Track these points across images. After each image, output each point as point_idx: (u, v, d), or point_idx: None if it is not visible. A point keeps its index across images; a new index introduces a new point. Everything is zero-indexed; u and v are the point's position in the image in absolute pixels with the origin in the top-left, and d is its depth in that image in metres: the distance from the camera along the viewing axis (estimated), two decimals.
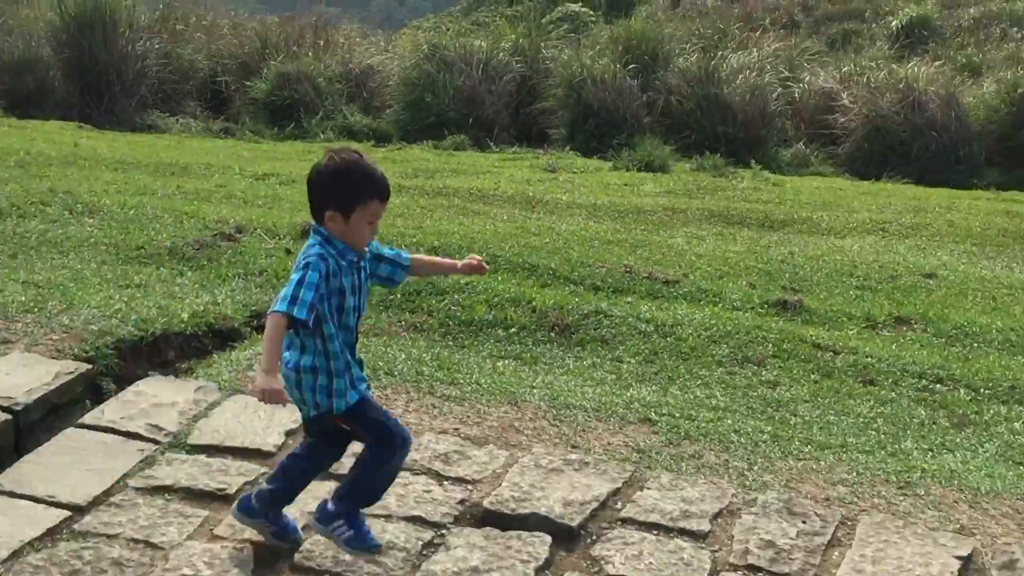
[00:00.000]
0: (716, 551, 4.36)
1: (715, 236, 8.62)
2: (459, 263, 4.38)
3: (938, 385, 5.97)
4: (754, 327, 6.45)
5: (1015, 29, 23.98)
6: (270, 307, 3.94)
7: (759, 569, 4.26)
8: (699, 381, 5.81)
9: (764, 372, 5.97)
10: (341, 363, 4.02)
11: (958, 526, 4.63)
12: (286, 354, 4.02)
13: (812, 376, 5.97)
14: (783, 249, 8.27)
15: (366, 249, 4.13)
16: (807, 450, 5.14)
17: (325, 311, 3.95)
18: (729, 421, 5.35)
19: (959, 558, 4.38)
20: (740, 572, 4.25)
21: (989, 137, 14.79)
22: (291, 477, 4.18)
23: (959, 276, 7.86)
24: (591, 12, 24.47)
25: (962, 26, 24.84)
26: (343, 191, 3.96)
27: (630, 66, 15.87)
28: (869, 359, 6.19)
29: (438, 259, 4.88)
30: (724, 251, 8.08)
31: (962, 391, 5.93)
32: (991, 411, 5.74)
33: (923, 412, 5.68)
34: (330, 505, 4.08)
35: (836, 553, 4.40)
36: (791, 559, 4.33)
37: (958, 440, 5.42)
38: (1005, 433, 5.51)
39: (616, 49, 16.57)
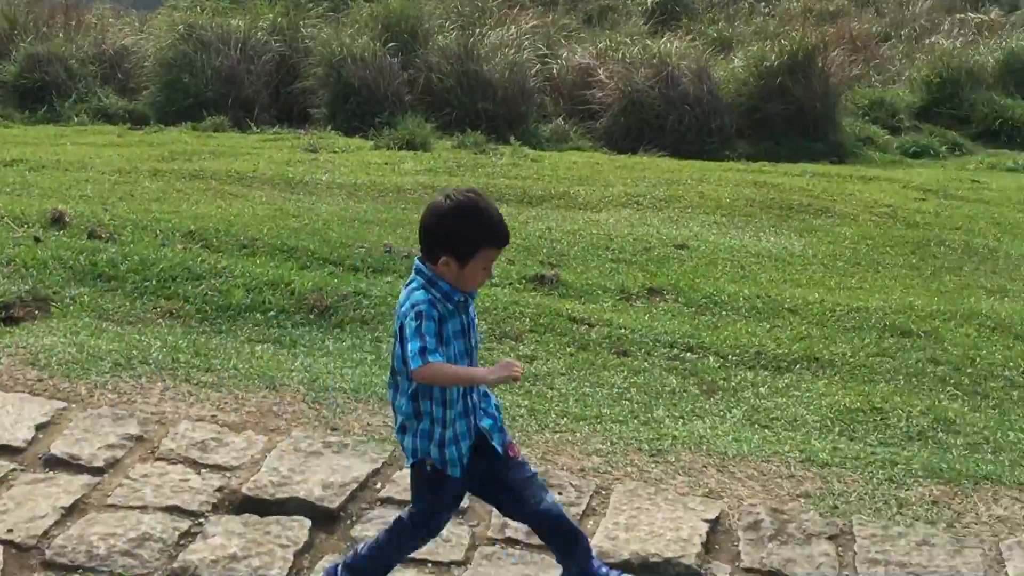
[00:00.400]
0: (475, 526, 4.43)
1: None
2: None
3: (688, 353, 6.15)
4: (512, 302, 6.53)
5: (763, 4, 24.72)
6: (410, 367, 3.64)
7: (516, 542, 4.34)
8: None
9: (522, 347, 6.05)
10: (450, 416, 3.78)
11: (707, 490, 4.79)
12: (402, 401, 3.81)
13: (568, 349, 6.07)
14: (541, 224, 8.39)
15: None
16: (563, 422, 5.25)
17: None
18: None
19: (707, 521, 4.54)
20: (498, 545, 4.33)
21: (739, 110, 15.21)
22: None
23: (709, 246, 8.09)
24: None
25: (713, 2, 25.47)
26: (463, 239, 3.64)
27: (390, 44, 15.79)
28: (623, 330, 6.33)
29: None
30: None
31: (711, 358, 6.11)
32: (738, 377, 5.94)
33: (674, 380, 5.84)
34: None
35: (591, 522, 4.51)
36: None
37: (707, 407, 5.59)
38: (751, 398, 5.71)
39: (376, 27, 16.44)
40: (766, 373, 6.01)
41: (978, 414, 5.78)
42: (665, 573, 4.27)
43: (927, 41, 20.15)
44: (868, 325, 6.72)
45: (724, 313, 6.75)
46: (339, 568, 3.88)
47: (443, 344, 3.65)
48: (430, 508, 3.83)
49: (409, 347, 3.60)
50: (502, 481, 3.85)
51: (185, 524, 4.22)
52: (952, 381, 6.12)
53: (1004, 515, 4.79)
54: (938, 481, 5.01)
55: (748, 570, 4.34)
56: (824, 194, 10.18)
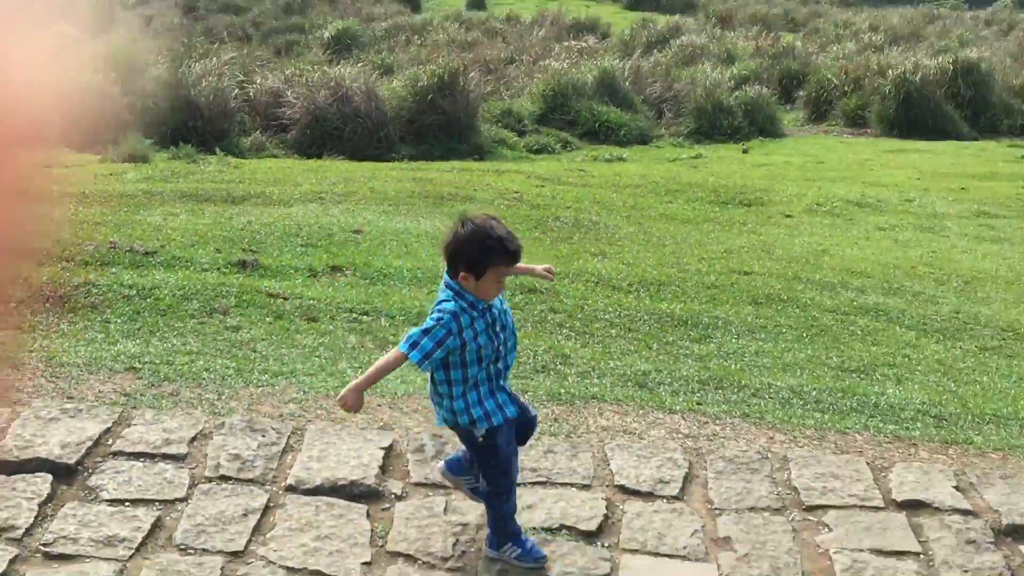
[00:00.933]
0: (193, 468, 4.31)
1: (187, 212, 8.42)
2: (537, 271, 4.15)
3: (365, 316, 6.13)
4: (219, 284, 6.37)
5: (416, 37, 24.92)
6: (402, 337, 3.74)
7: (229, 478, 4.25)
8: (175, 332, 5.69)
9: (228, 320, 5.91)
10: (480, 379, 3.80)
11: (382, 424, 4.79)
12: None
13: (267, 319, 5.97)
14: (243, 219, 8.19)
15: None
16: (265, 378, 5.16)
17: (468, 358, 3.72)
18: (201, 362, 5.28)
19: (383, 448, 4.55)
20: (214, 483, 4.22)
21: (401, 120, 15.23)
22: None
23: (379, 230, 8.07)
24: None
25: (377, 35, 25.50)
26: (476, 258, 3.59)
27: (112, 75, 15.16)
28: (312, 301, 6.26)
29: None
30: (195, 224, 7.91)
31: (383, 320, 6.12)
32: (404, 332, 5.94)
33: (354, 339, 5.81)
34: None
35: (290, 457, 4.46)
36: (254, 466, 4.36)
37: (380, 357, 5.58)
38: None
39: (103, 62, 15.81)
40: None
41: (587, 349, 5.97)
42: (351, 493, 4.26)
43: (542, 63, 20.66)
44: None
45: (392, 283, 6.76)
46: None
47: (472, 341, 3.66)
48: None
49: (414, 329, 3.69)
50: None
51: None
52: (567, 325, 6.30)
53: (607, 425, 4.97)
54: (558, 402, 5.16)
55: (416, 484, 4.38)
56: (468, 185, 10.30)
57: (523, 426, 3.99)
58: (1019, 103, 18.64)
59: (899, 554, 4.14)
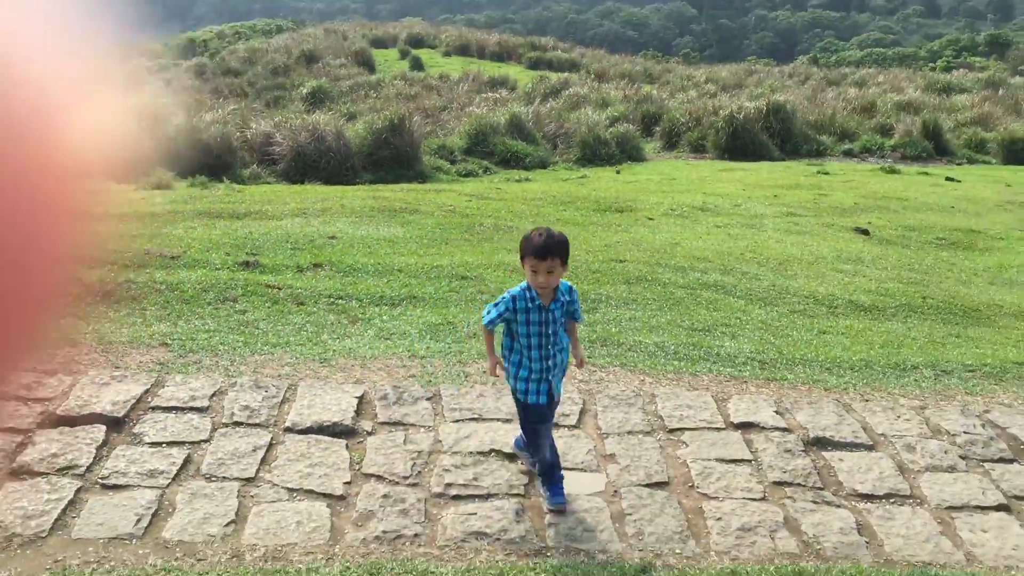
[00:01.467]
0: (214, 417, 4.24)
1: (203, 226, 8.24)
2: (576, 353, 3.92)
3: (340, 300, 6.06)
4: (229, 279, 6.25)
5: (372, 91, 24.63)
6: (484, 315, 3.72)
7: (240, 423, 4.19)
8: (197, 316, 5.57)
9: (237, 305, 5.80)
10: (533, 368, 3.67)
11: (355, 379, 4.75)
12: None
13: (266, 304, 5.87)
14: (245, 230, 8.04)
15: (554, 298, 3.63)
16: (266, 348, 5.08)
17: (518, 330, 3.65)
18: (217, 338, 5.19)
19: (356, 397, 4.51)
20: (229, 427, 4.16)
21: (363, 154, 15.00)
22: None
23: (350, 236, 7.97)
24: None
25: (343, 91, 25.18)
26: (521, 250, 3.61)
27: (143, 123, 14.74)
28: (300, 290, 6.17)
29: (574, 338, 3.95)
30: (209, 235, 7.75)
31: (354, 302, 6.05)
32: (370, 312, 5.90)
33: (332, 317, 5.74)
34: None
35: (287, 406, 4.40)
36: (260, 414, 4.29)
37: (353, 331, 5.54)
38: (379, 323, 5.69)
39: (136, 114, 15.33)
40: (387, 307, 6.00)
41: None
42: (334, 431, 4.22)
43: (467, 109, 20.56)
44: (443, 275, 6.80)
45: (360, 275, 6.68)
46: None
47: (524, 321, 3.61)
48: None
49: (487, 308, 3.71)
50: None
51: (19, 438, 3.85)
52: (492, 302, 6.28)
53: None
54: (486, 360, 5.14)
55: (382, 423, 4.35)
56: (415, 201, 10.20)
57: None
58: (814, 133, 18.96)
59: (737, 461, 4.21)
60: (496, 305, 3.67)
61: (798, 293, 7.15)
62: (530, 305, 3.61)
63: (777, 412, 4.67)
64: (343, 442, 4.14)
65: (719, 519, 3.74)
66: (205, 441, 4.04)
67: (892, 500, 3.99)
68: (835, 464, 4.24)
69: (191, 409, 4.26)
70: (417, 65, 32.59)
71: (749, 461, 4.21)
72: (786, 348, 5.77)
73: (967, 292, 7.56)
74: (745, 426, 4.52)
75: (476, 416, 4.45)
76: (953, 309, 7.03)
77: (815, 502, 3.92)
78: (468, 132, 17.25)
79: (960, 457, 4.36)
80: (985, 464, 4.33)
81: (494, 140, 17.00)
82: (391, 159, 15.03)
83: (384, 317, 5.80)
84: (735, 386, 5.02)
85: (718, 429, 4.49)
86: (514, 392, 3.72)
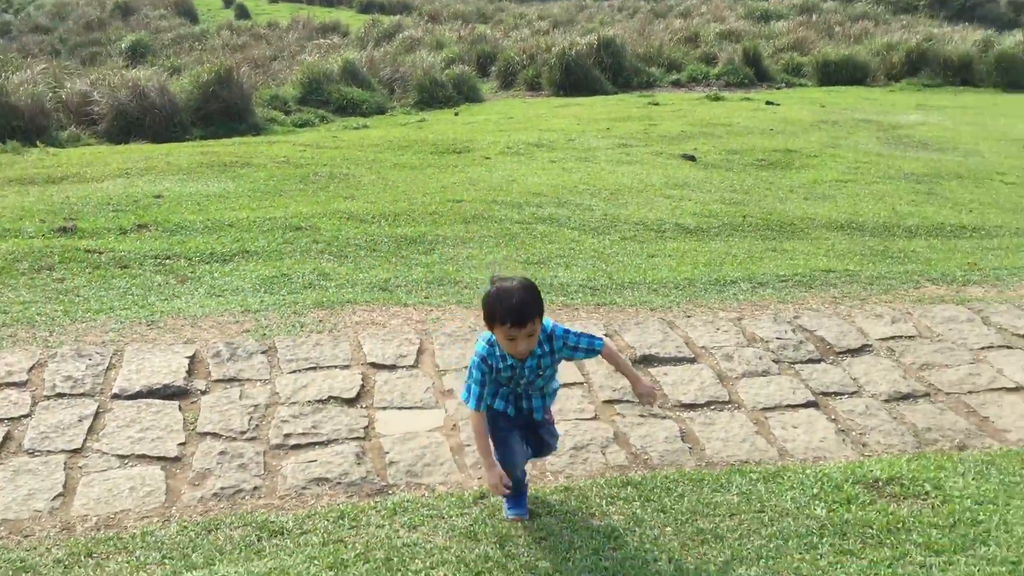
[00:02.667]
0: (34, 391, 4.06)
1: (15, 193, 7.73)
2: (640, 386, 3.30)
3: (168, 260, 5.84)
4: (44, 247, 5.92)
5: (197, 43, 23.54)
6: (463, 395, 3.17)
7: (64, 395, 4.03)
8: (9, 288, 5.26)
9: (54, 273, 5.52)
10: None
11: (186, 339, 4.63)
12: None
13: (87, 271, 5.61)
14: (62, 195, 7.59)
15: (523, 357, 3.06)
16: (88, 316, 4.87)
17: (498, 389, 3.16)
18: (33, 309, 4.93)
19: (187, 357, 4.41)
20: (52, 400, 3.99)
21: (190, 109, 14.38)
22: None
23: (177, 194, 7.66)
24: None
25: (165, 44, 23.96)
26: (486, 315, 3.02)
27: None
28: (123, 252, 5.92)
29: (626, 366, 3.42)
30: (21, 202, 7.29)
31: (182, 261, 5.85)
32: (200, 269, 5.72)
33: (159, 278, 5.55)
34: None
35: (114, 373, 4.26)
36: (84, 383, 4.15)
37: (182, 290, 5.37)
38: (209, 280, 5.52)
39: None
40: (218, 264, 5.84)
41: (343, 267, 5.91)
42: (165, 393, 4.13)
43: (299, 58, 19.95)
44: (277, 227, 6.66)
45: (188, 233, 6.45)
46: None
47: (487, 384, 3.11)
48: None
49: (466, 385, 3.15)
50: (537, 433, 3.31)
51: None
52: (327, 251, 6.20)
53: (360, 320, 4.97)
54: (322, 308, 5.10)
55: (216, 380, 4.27)
56: (247, 154, 9.87)
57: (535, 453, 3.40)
58: (644, 66, 19.39)
59: (570, 384, 4.35)
60: (474, 378, 3.11)
61: (629, 220, 7.38)
62: (501, 364, 3.10)
63: (607, 335, 4.84)
64: (175, 403, 4.05)
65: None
66: (26, 416, 3.87)
67: (712, 407, 4.24)
68: (661, 378, 4.45)
69: (7, 385, 4.06)
70: (243, 13, 31.28)
71: (581, 383, 4.37)
72: (616, 274, 5.96)
73: (783, 208, 7.99)
74: None
75: (313, 365, 4.43)
76: (771, 225, 7.42)
77: (642, 416, 4.11)
78: (301, 81, 16.77)
79: (773, 361, 4.66)
80: (796, 366, 4.64)
81: (329, 88, 16.61)
82: (222, 113, 14.48)
83: (215, 274, 5.64)
84: (567, 313, 5.16)
85: None
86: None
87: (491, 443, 3.18)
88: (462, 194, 8.06)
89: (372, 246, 6.38)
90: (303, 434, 3.88)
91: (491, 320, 3.01)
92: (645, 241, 6.89)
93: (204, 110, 14.43)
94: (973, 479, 3.59)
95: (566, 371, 4.46)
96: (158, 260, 5.84)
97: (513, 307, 2.94)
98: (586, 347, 3.17)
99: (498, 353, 3.09)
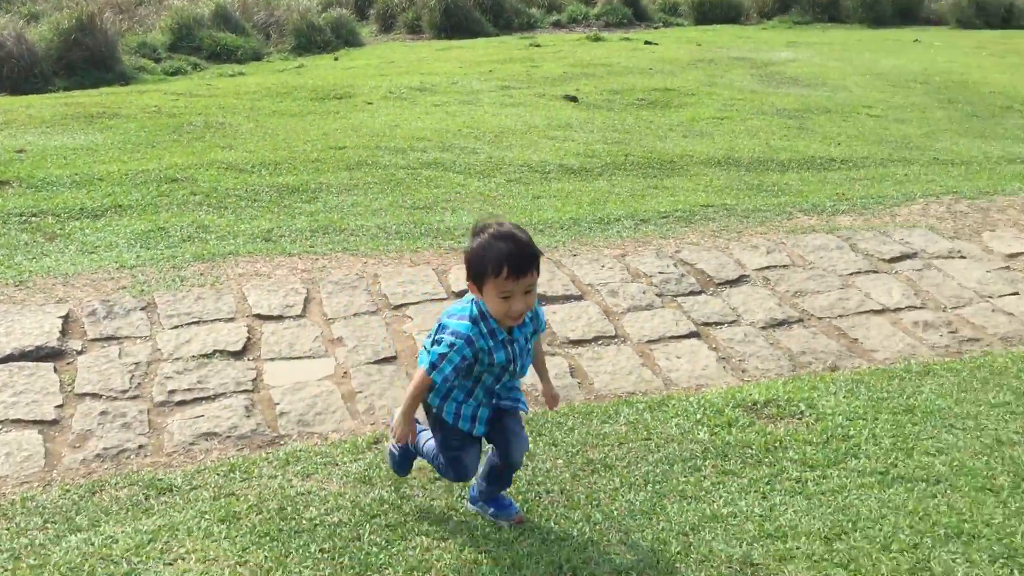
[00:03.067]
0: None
1: None
2: (547, 391, 2.88)
3: (34, 218, 5.56)
4: None
5: None
6: (421, 355, 2.68)
7: None
8: None
9: None
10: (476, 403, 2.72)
11: (58, 299, 4.43)
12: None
13: None
14: None
15: (519, 321, 2.58)
16: None
17: (479, 376, 2.65)
18: None
19: (60, 317, 4.22)
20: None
21: (51, 58, 13.60)
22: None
23: (40, 148, 7.25)
24: None
25: None
26: (474, 269, 2.51)
27: None
28: None
29: (543, 359, 2.96)
30: None
31: (50, 218, 5.58)
32: (70, 226, 5.47)
33: (26, 236, 5.28)
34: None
35: None
36: None
37: (52, 248, 5.12)
38: (81, 237, 5.29)
39: None
40: (88, 220, 5.59)
41: (223, 219, 5.74)
42: (38, 355, 3.95)
43: (167, 2, 19.02)
44: (151, 180, 6.40)
45: (55, 189, 6.14)
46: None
47: (486, 367, 2.61)
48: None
49: (434, 348, 2.61)
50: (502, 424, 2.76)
51: None
52: (205, 203, 6.00)
53: (243, 272, 4.85)
54: (203, 261, 4.96)
55: (93, 340, 4.11)
56: (115, 105, 9.40)
57: (505, 468, 2.86)
58: (524, 6, 19.26)
59: None
60: (449, 360, 2.57)
61: (513, 163, 7.39)
62: (491, 343, 2.58)
63: None
64: (50, 365, 3.88)
65: None
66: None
67: (600, 342, 4.32)
68: (549, 316, 4.50)
69: None
70: None
71: None
72: (502, 216, 5.97)
73: (663, 146, 8.12)
74: (464, 293, 4.67)
75: (196, 319, 4.31)
76: (651, 163, 7.54)
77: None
78: (170, 27, 16.01)
79: (657, 295, 4.77)
80: (678, 299, 4.76)
81: (200, 34, 15.92)
82: (86, 62, 13.72)
83: (86, 231, 5.40)
84: (455, 257, 5.16)
85: (441, 300, 4.62)
86: (443, 416, 2.76)
87: (427, 446, 2.89)
88: (344, 141, 7.90)
89: (253, 196, 6.21)
90: (188, 390, 3.78)
91: (480, 274, 2.49)
92: (530, 183, 6.91)
93: (66, 59, 13.65)
94: (844, 397, 3.78)
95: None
96: (23, 218, 5.55)
97: (510, 252, 2.45)
98: (542, 322, 2.78)
99: (486, 330, 2.56)
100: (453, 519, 2.93)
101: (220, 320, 4.31)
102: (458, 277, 4.84)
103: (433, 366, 2.58)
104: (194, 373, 3.89)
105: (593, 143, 8.17)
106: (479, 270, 2.51)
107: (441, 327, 2.64)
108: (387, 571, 2.68)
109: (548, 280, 4.84)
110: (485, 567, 2.70)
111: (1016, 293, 4.98)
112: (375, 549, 2.78)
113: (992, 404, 3.74)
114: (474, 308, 2.59)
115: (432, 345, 2.65)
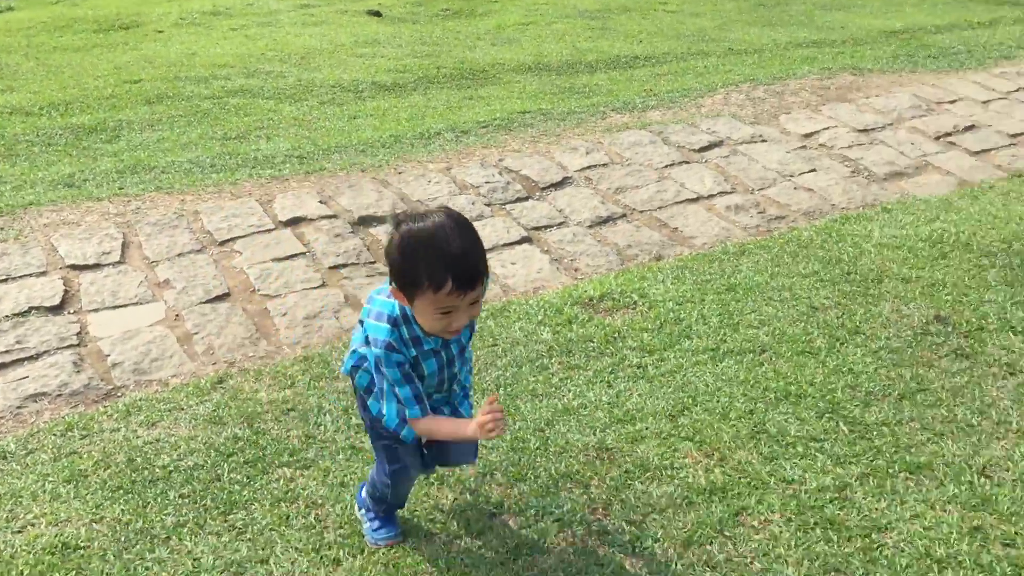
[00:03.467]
0: None
1: None
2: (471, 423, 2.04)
3: None
4: None
5: None
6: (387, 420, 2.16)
7: None
8: None
9: None
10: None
11: None
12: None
13: None
14: None
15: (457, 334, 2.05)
16: None
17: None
18: None
19: None
20: None
21: None
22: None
23: None
24: None
25: None
26: (404, 276, 1.91)
27: None
28: None
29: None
30: None
31: None
32: None
33: None
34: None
35: None
36: None
37: None
38: None
39: None
40: None
41: (15, 168, 5.30)
42: None
43: None
44: None
45: None
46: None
47: (412, 380, 2.08)
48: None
49: (385, 405, 2.14)
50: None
51: None
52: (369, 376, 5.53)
53: (48, 222, 4.53)
54: (0, 215, 4.57)
55: None
56: None
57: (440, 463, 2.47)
58: None
59: (292, 256, 4.26)
60: (388, 382, 2.08)
61: (324, 84, 7.16)
62: (415, 351, 2.07)
63: (322, 202, 4.75)
64: None
65: (285, 315, 3.81)
66: None
67: None
68: (382, 237, 4.45)
69: None
70: None
71: (304, 254, 4.28)
72: (321, 139, 5.81)
73: (474, 56, 8.07)
74: (294, 222, 4.55)
75: (3, 277, 3.99)
76: (464, 74, 7.49)
77: (369, 276, 4.12)
78: None
79: (486, 205, 4.81)
80: (507, 206, 4.82)
81: None
82: None
83: None
84: (277, 186, 4.99)
85: (268, 231, 4.48)
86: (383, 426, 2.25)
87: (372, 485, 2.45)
88: (139, 74, 7.41)
89: (46, 141, 5.75)
90: (7, 352, 3.52)
91: (413, 284, 1.90)
92: (344, 103, 6.73)
93: None
94: (672, 284, 3.97)
95: (287, 243, 4.35)
96: None
97: (454, 260, 1.87)
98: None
99: (408, 335, 2.03)
100: (312, 447, 2.91)
101: (31, 275, 4.02)
102: (284, 206, 4.70)
103: (395, 418, 2.14)
104: (10, 334, 3.62)
105: (403, 58, 8.01)
106: (410, 279, 1.91)
107: (364, 330, 2.12)
108: (253, 506, 2.64)
109: (376, 200, 4.78)
110: (353, 487, 2.71)
111: (814, 170, 5.33)
112: (237, 487, 2.72)
113: (803, 275, 4.03)
114: (396, 307, 2.04)
115: (365, 366, 2.16)
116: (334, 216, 4.61)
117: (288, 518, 2.59)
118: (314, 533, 2.53)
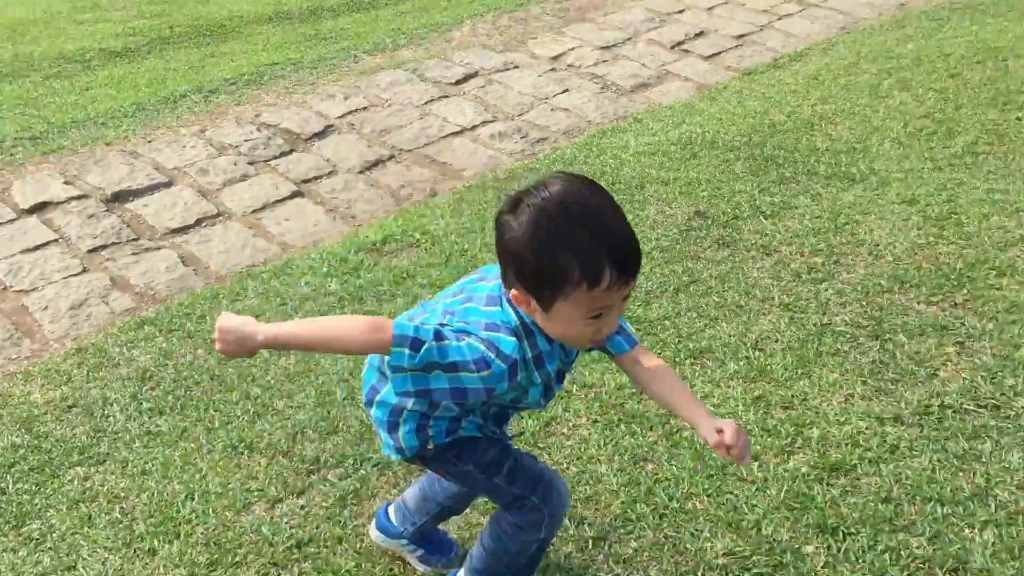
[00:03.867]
0: None
1: None
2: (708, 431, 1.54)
3: None
4: None
5: None
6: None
7: None
8: None
9: None
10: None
11: None
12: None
13: None
14: None
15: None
16: None
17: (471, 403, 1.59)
18: None
19: None
20: None
21: None
22: None
23: None
24: None
25: None
26: (541, 268, 1.37)
27: None
28: None
29: (683, 399, 1.62)
30: None
31: None
32: None
33: None
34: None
35: None
36: None
37: None
38: None
39: None
40: None
41: None
42: None
43: None
44: None
45: None
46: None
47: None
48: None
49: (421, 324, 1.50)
50: None
51: None
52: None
53: None
54: None
55: None
56: None
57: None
58: None
59: (43, 245, 3.93)
60: (458, 364, 1.48)
61: (46, 57, 6.55)
62: (532, 376, 1.56)
63: (67, 183, 4.38)
64: None
65: (46, 308, 3.51)
66: None
67: (204, 224, 4.11)
68: (141, 211, 4.18)
69: None
70: None
71: (56, 241, 3.95)
72: (53, 117, 5.33)
73: (208, 11, 7.63)
74: (39, 208, 4.18)
75: None
76: (201, 31, 7.07)
77: (135, 253, 3.87)
78: None
79: (249, 164, 4.61)
80: (271, 162, 4.64)
81: None
82: None
83: None
84: (12, 172, 4.55)
85: (11, 221, 4.09)
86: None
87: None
88: None
89: None
90: None
91: (559, 282, 1.41)
92: (72, 75, 6.19)
93: None
94: (451, 217, 3.99)
95: (34, 231, 3.99)
96: None
97: (616, 239, 1.41)
98: (628, 332, 1.76)
99: (531, 355, 1.53)
100: (104, 441, 2.72)
101: None
102: (24, 192, 4.29)
103: (415, 346, 1.47)
104: None
105: (130, 20, 7.45)
106: (553, 275, 1.41)
107: (460, 329, 1.51)
108: (49, 513, 2.45)
109: (129, 173, 4.46)
110: (157, 473, 2.56)
111: (567, 90, 5.50)
112: (26, 497, 2.51)
113: None
114: (513, 315, 1.52)
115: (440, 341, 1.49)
116: (84, 196, 4.27)
117: (90, 518, 2.42)
118: (122, 528, 2.38)
